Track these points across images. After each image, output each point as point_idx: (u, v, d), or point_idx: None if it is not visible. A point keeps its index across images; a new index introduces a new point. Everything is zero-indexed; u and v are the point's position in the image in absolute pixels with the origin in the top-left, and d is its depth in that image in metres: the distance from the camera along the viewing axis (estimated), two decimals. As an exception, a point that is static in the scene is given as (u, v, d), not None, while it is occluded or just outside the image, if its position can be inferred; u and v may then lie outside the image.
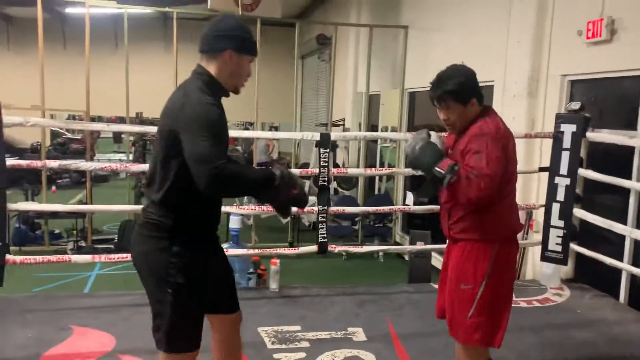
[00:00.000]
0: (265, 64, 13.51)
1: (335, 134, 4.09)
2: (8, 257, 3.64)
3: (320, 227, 4.33)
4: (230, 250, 4.11)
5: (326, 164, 4.17)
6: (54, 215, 7.11)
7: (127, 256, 4.04)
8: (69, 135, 13.69)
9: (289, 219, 7.91)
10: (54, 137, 13.13)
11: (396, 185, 8.08)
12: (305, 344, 3.49)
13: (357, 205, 7.83)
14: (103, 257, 4.10)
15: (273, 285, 4.35)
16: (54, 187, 8.43)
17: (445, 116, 2.54)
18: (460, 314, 2.52)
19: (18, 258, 3.81)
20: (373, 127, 9.23)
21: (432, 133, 2.60)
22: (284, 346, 3.42)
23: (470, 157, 2.38)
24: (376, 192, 9.05)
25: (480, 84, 6.86)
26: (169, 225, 2.06)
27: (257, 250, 4.82)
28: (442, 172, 2.37)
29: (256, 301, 4.21)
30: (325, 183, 4.25)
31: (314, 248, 4.39)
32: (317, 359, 3.30)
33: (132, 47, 12.50)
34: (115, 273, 6.43)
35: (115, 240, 7.36)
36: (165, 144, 2.02)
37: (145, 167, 4.31)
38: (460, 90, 2.46)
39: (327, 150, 4.19)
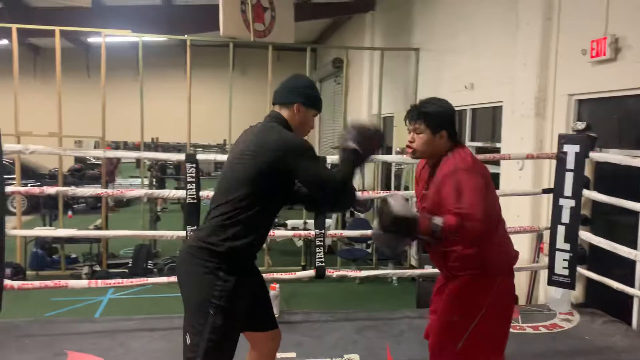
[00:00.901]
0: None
1: (331, 157, 4.07)
2: (6, 282, 3.72)
3: (317, 251, 4.29)
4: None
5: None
6: (70, 240, 7.23)
7: (123, 281, 4.10)
8: (93, 161, 13.98)
9: (301, 243, 7.91)
10: (79, 163, 13.43)
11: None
12: (298, 371, 3.45)
13: (370, 228, 7.77)
14: (99, 282, 4.15)
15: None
16: (70, 212, 8.59)
17: (411, 139, 2.48)
18: (447, 346, 2.43)
19: (16, 284, 3.88)
20: (388, 149, 9.20)
21: (390, 199, 2.26)
22: (276, 373, 3.37)
23: (449, 199, 2.25)
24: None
25: (490, 105, 6.80)
26: (220, 252, 2.19)
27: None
28: (427, 238, 2.24)
29: (255, 326, 4.16)
30: (321, 207, 4.21)
31: (311, 273, 4.36)
32: (309, 387, 3.25)
33: (154, 73, 12.76)
34: (128, 297, 6.49)
35: (130, 265, 7.44)
36: (261, 177, 2.19)
37: (137, 193, 4.36)
38: (434, 116, 2.44)
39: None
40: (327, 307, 5.19)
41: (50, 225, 7.89)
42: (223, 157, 3.77)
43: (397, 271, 5.30)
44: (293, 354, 3.65)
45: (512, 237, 5.45)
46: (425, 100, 2.53)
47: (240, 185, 2.21)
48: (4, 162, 9.64)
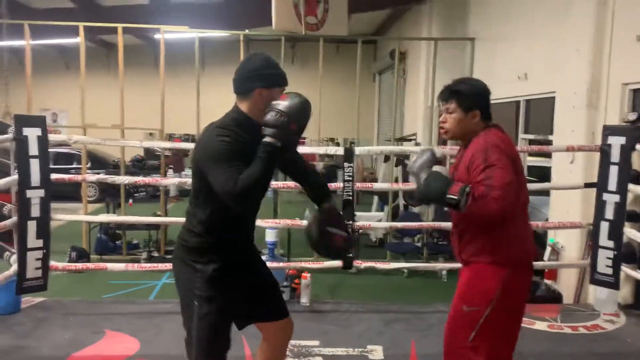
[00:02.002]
0: (342, 80, 13.71)
1: (359, 149, 4.08)
2: (52, 263, 4.01)
3: (345, 242, 4.30)
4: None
5: (350, 179, 4.17)
6: (132, 226, 7.63)
7: (158, 266, 4.30)
8: (160, 152, 14.59)
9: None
10: (148, 154, 14.09)
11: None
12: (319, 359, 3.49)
13: (420, 221, 7.67)
14: (136, 266, 4.39)
15: (304, 299, 4.38)
16: (130, 201, 9.05)
17: (444, 119, 2.46)
18: (459, 338, 2.39)
19: (60, 264, 4.18)
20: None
21: (437, 150, 2.48)
22: (296, 360, 3.45)
23: (478, 172, 2.26)
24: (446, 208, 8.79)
25: (543, 96, 6.56)
26: (191, 247, 2.27)
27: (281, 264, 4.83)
28: (455, 198, 2.20)
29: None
30: (350, 198, 4.23)
31: (338, 263, 4.39)
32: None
33: (214, 68, 13.12)
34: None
35: (185, 251, 7.73)
36: (196, 175, 2.22)
37: (170, 181, 4.54)
38: (466, 95, 2.41)
39: (351, 165, 4.19)
40: (369, 299, 5.19)
41: (114, 212, 8.34)
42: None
43: (435, 264, 5.21)
44: (316, 342, 3.71)
45: (560, 232, 5.29)
46: (458, 80, 2.51)
47: (195, 185, 2.25)
48: (62, 152, 10.20)
